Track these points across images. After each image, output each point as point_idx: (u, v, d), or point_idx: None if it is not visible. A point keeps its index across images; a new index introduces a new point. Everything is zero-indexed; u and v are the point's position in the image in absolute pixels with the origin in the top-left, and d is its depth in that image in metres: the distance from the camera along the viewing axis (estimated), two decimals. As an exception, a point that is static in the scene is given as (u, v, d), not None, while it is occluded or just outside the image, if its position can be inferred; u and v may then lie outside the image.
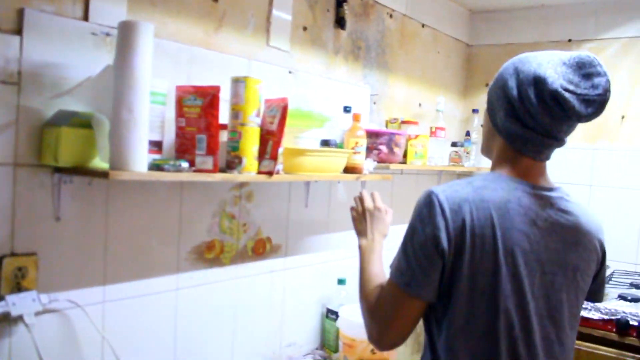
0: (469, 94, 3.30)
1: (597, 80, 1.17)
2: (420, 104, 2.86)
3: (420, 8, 2.79)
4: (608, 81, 1.18)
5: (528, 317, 1.20)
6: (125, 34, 1.31)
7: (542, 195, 1.24)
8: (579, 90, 1.16)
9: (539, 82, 1.17)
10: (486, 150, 1.38)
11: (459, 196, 1.19)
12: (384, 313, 1.26)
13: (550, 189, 1.26)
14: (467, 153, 2.86)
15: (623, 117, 2.82)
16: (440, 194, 1.19)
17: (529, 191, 1.22)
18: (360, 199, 1.60)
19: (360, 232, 1.56)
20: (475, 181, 1.23)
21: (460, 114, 3.29)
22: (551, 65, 1.17)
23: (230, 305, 1.90)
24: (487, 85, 3.22)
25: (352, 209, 1.62)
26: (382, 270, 1.43)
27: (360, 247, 1.52)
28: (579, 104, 1.16)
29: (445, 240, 1.16)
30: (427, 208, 1.19)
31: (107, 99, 1.33)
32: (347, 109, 2.14)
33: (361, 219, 1.57)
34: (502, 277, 1.17)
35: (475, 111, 3.04)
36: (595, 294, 1.39)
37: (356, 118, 2.03)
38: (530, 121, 1.20)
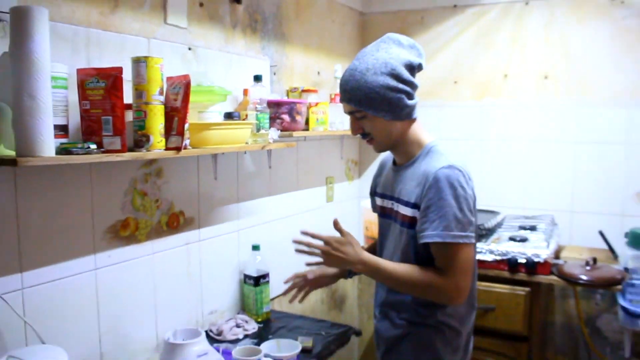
0: (365, 60, 3.42)
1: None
2: (319, 72, 2.96)
3: (313, -21, 2.86)
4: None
5: None
6: (19, 21, 1.31)
7: None
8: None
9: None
10: (391, 143, 1.67)
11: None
12: (467, 272, 1.55)
13: None
14: (367, 117, 2.99)
15: (505, 76, 3.04)
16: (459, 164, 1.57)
17: None
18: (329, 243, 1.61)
19: (349, 263, 1.61)
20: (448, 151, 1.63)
21: (358, 80, 3.40)
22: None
23: (150, 280, 1.95)
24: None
25: (322, 253, 1.62)
26: (391, 263, 1.62)
27: (362, 272, 1.64)
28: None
29: None
30: (463, 177, 1.55)
31: (7, 87, 1.33)
32: (257, 78, 2.19)
33: (338, 257, 1.61)
34: None
35: (372, 76, 3.16)
36: None
37: (245, 93, 2.09)
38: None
